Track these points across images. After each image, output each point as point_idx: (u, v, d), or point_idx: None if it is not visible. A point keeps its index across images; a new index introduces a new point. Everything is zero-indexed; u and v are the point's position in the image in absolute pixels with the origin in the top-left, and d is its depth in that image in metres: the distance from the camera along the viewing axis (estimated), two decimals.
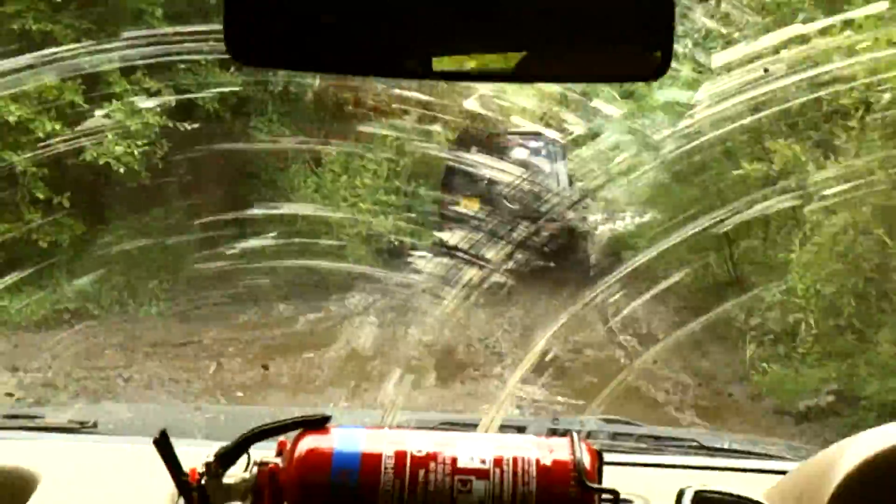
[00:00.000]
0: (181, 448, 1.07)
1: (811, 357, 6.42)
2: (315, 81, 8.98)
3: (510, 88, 7.43)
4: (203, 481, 1.06)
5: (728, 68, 5.91)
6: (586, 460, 1.06)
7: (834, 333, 6.41)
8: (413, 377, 5.88)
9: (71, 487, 1.39)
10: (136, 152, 7.92)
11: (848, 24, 5.88)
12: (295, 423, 1.10)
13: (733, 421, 6.18)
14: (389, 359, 6.71)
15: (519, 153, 9.67)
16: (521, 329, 7.97)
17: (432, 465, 1.05)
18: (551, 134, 9.17)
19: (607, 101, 8.13)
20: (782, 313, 6.77)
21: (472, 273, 5.75)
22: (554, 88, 7.93)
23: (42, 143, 7.45)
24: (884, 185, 5.98)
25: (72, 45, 7.22)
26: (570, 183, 9.86)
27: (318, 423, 1.09)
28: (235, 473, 1.07)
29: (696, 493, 1.14)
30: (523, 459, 1.06)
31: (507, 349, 7.49)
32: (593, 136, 8.34)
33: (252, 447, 1.08)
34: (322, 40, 0.99)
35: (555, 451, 1.08)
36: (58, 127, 7.61)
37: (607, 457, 1.12)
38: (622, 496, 1.07)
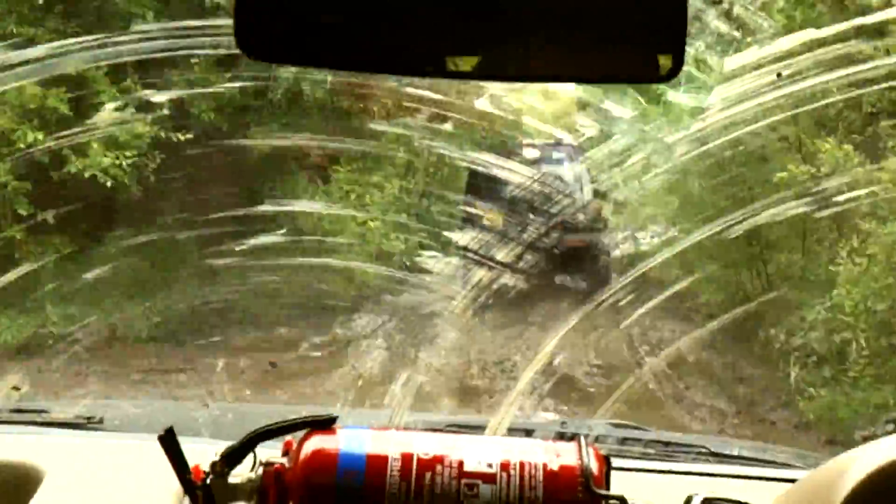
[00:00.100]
0: (187, 446, 1.14)
1: (864, 380, 6.36)
2: (316, 90, 9.10)
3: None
4: (208, 480, 1.13)
5: (758, 66, 6.00)
6: (594, 466, 1.13)
7: (888, 353, 6.36)
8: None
9: (76, 483, 1.48)
10: (124, 164, 7.97)
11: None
12: (301, 424, 1.17)
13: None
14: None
15: (544, 164, 9.78)
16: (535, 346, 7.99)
17: (439, 467, 1.12)
18: (567, 139, 9.29)
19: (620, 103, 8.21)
20: (827, 332, 6.73)
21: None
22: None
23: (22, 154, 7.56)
24: None
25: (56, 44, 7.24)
26: (592, 194, 9.94)
27: (324, 424, 1.17)
28: (241, 473, 1.15)
29: (705, 500, 1.20)
30: (530, 464, 1.13)
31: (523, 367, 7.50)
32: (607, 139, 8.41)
33: (258, 447, 1.16)
34: (333, 37, 1.05)
35: (562, 455, 1.14)
36: (41, 136, 7.67)
37: (615, 462, 1.18)
38: (629, 502, 1.12)
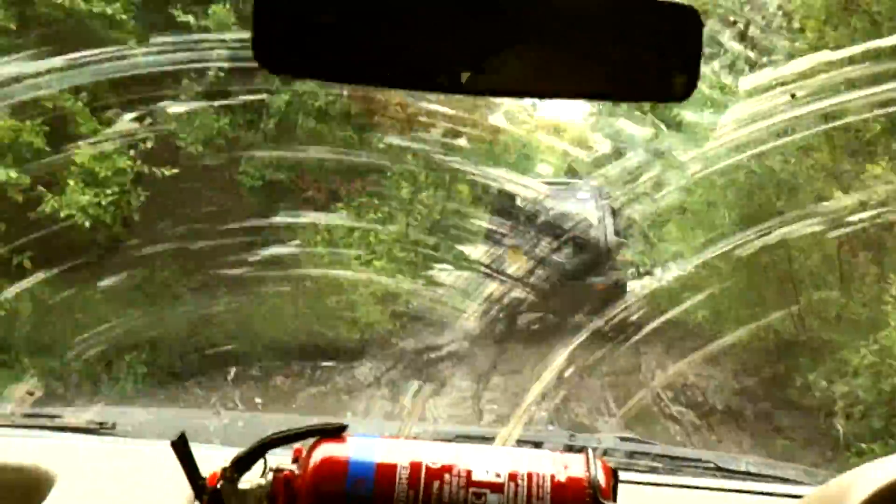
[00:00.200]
0: (198, 452, 1.25)
1: None
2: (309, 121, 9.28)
3: None
4: (219, 486, 1.24)
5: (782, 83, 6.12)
6: (601, 478, 1.23)
7: None
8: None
9: (88, 487, 1.60)
10: (103, 202, 8.03)
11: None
12: (311, 431, 1.28)
13: None
14: None
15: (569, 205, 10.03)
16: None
17: (447, 477, 1.22)
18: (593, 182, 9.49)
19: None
20: (874, 379, 6.71)
21: None
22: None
23: None
24: None
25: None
26: (617, 233, 10.14)
27: (334, 432, 1.27)
28: (251, 479, 1.25)
29: None
30: (538, 475, 1.23)
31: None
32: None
33: (268, 454, 1.26)
34: (351, 51, 1.15)
35: (570, 467, 1.24)
36: (14, 175, 7.71)
37: (623, 475, 1.28)
38: None
